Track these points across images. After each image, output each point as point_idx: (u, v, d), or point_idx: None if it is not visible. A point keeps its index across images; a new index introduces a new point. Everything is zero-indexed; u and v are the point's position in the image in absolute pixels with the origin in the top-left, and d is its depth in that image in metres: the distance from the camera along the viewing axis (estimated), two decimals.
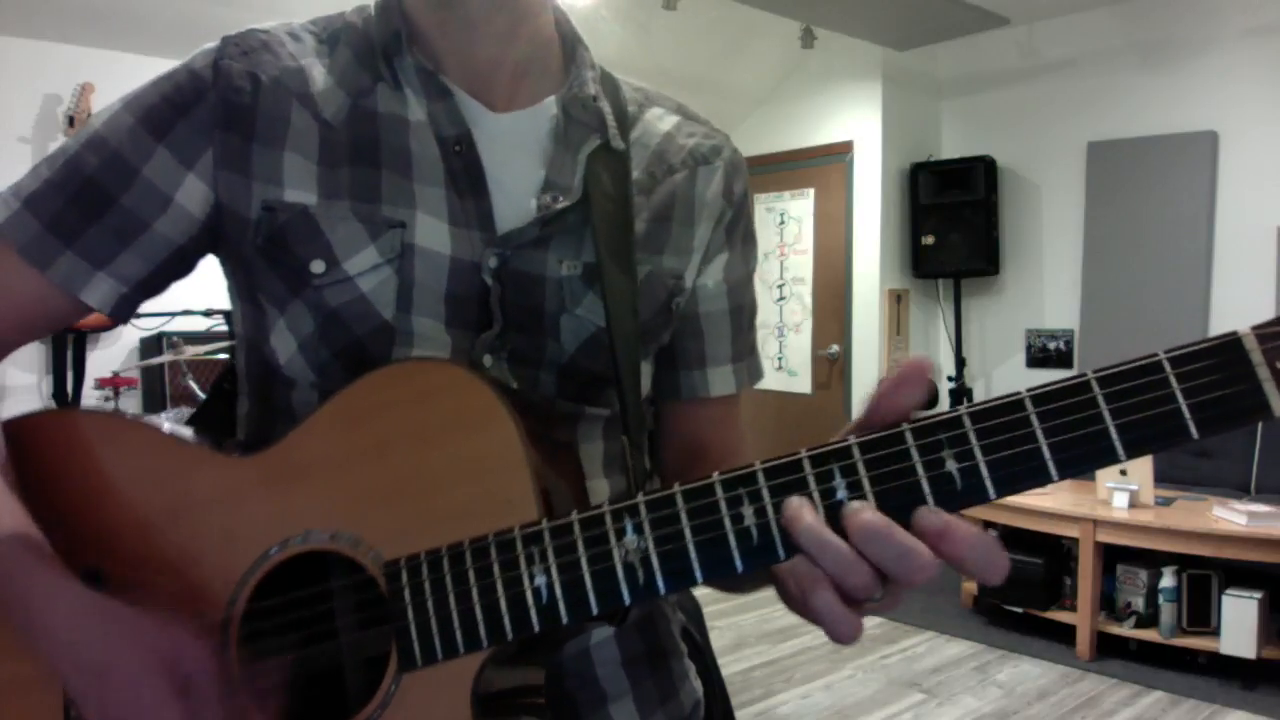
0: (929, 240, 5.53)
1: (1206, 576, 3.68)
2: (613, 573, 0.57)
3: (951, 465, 0.52)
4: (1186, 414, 0.49)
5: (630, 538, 0.57)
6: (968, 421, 0.52)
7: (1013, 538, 4.16)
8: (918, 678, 3.69)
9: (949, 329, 5.74)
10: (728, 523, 0.55)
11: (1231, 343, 0.48)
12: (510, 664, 0.63)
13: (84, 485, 0.69)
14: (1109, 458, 0.50)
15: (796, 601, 0.59)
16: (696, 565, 0.56)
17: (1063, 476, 0.51)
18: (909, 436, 0.53)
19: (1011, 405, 0.52)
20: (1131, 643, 3.84)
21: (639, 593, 0.57)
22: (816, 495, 0.54)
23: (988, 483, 0.51)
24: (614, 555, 0.57)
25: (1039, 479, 0.51)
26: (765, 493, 0.55)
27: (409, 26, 0.74)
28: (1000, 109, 5.61)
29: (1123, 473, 3.87)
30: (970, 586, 4.36)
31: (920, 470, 0.52)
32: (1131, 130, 4.99)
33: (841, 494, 0.54)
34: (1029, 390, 0.52)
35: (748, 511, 0.55)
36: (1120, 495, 3.81)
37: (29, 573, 0.63)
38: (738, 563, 0.55)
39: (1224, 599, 3.57)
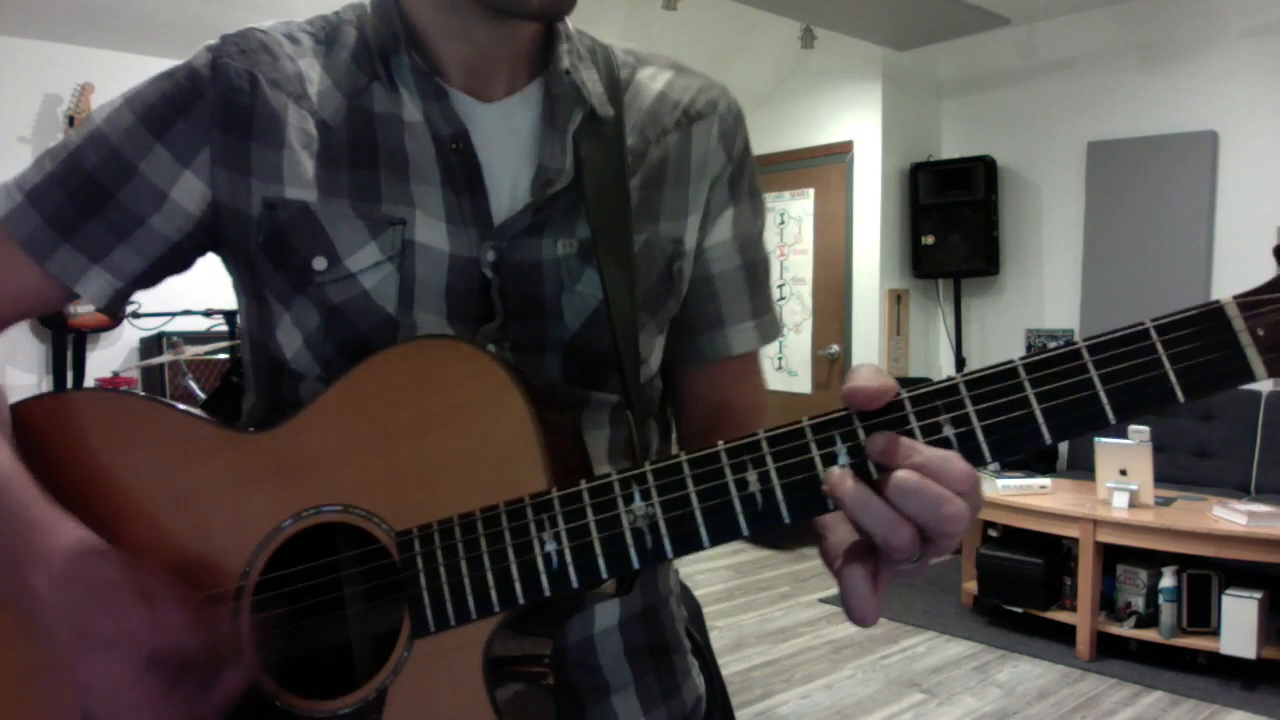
0: (929, 240, 5.53)
1: (1206, 576, 3.67)
2: (622, 538, 0.59)
3: (949, 431, 0.54)
4: (1173, 378, 0.51)
5: (638, 504, 0.59)
6: (964, 389, 0.54)
7: (1013, 538, 4.16)
8: (918, 678, 3.69)
9: (949, 329, 5.74)
10: (733, 489, 0.57)
11: (1214, 311, 0.51)
12: (518, 631, 0.64)
13: (92, 464, 0.69)
14: (1099, 421, 0.53)
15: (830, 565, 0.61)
16: (703, 530, 0.57)
17: (1055, 440, 0.53)
18: (908, 404, 0.55)
19: (1006, 373, 0.54)
20: (1131, 643, 3.84)
21: (647, 557, 0.58)
22: (818, 460, 0.56)
23: (984, 447, 0.54)
24: (623, 521, 0.59)
25: (1033, 442, 0.53)
26: (769, 459, 0.57)
27: (406, 26, 0.74)
28: (1000, 109, 5.61)
29: (1123, 472, 3.86)
30: (970, 586, 4.35)
31: (919, 437, 0.54)
32: (1131, 130, 4.99)
33: (843, 459, 0.56)
34: (1022, 358, 0.54)
35: (752, 478, 0.57)
36: (1120, 495, 3.81)
37: (29, 528, 0.64)
38: (743, 527, 0.57)
39: (1224, 599, 3.57)
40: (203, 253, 0.78)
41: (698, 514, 0.57)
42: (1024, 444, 0.53)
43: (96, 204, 0.72)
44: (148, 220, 0.72)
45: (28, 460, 0.68)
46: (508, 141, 0.75)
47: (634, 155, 0.78)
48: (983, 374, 0.54)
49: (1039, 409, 0.53)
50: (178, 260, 0.76)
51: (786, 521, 0.56)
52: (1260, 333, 0.50)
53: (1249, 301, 0.51)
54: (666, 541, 0.58)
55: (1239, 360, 0.51)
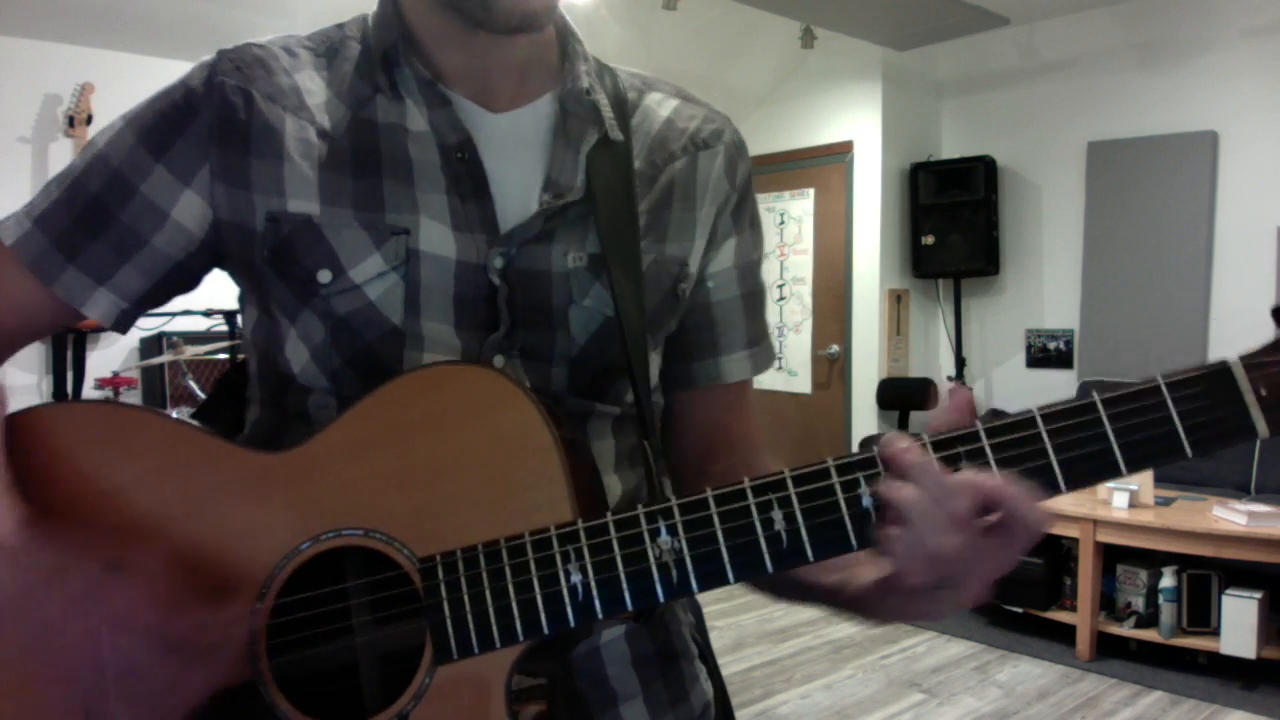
0: (929, 240, 5.53)
1: (1206, 576, 3.68)
2: (648, 572, 0.60)
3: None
4: (1182, 434, 0.55)
5: (664, 538, 0.59)
6: (984, 437, 0.57)
7: None
8: (918, 678, 3.69)
9: (949, 329, 5.74)
10: (758, 526, 0.58)
11: (1222, 371, 0.55)
12: (531, 655, 0.65)
13: (101, 476, 0.69)
14: (1112, 472, 0.56)
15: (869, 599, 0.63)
16: (729, 566, 0.59)
17: (1070, 489, 0.56)
18: (930, 450, 0.57)
19: (1023, 424, 0.56)
20: (1131, 643, 3.84)
21: (673, 591, 0.59)
22: (843, 501, 0.57)
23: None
24: (649, 555, 0.60)
25: (1048, 491, 0.56)
26: (794, 498, 0.58)
27: (408, 36, 0.75)
28: (1000, 109, 5.61)
29: None
30: None
31: None
32: (1131, 130, 4.99)
33: (866, 501, 0.57)
34: (1040, 409, 0.56)
35: (777, 516, 0.58)
36: (1120, 495, 3.81)
37: None
38: (768, 565, 0.58)
39: (1224, 599, 3.57)
40: (207, 272, 0.78)
41: (723, 551, 0.58)
42: (1040, 492, 0.56)
43: (99, 226, 0.73)
44: (150, 240, 0.73)
45: (32, 471, 0.68)
46: (515, 151, 0.76)
47: (641, 178, 0.79)
48: (1002, 424, 0.56)
49: (1055, 460, 0.56)
50: (182, 279, 0.77)
51: (811, 560, 0.58)
52: (1263, 392, 0.54)
53: (1254, 362, 0.54)
54: (692, 577, 0.59)
55: (1244, 419, 0.54)
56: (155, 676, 0.62)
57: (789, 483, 0.58)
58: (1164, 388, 0.55)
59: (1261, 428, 0.54)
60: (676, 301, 0.81)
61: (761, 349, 0.87)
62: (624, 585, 0.60)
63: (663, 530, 0.59)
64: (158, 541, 0.67)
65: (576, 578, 0.60)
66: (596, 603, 0.60)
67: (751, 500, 0.58)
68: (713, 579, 0.59)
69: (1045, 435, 0.55)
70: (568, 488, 0.63)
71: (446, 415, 0.64)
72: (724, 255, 0.84)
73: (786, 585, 0.74)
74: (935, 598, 0.58)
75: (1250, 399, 0.54)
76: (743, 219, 0.85)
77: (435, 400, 0.65)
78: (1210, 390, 0.54)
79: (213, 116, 0.72)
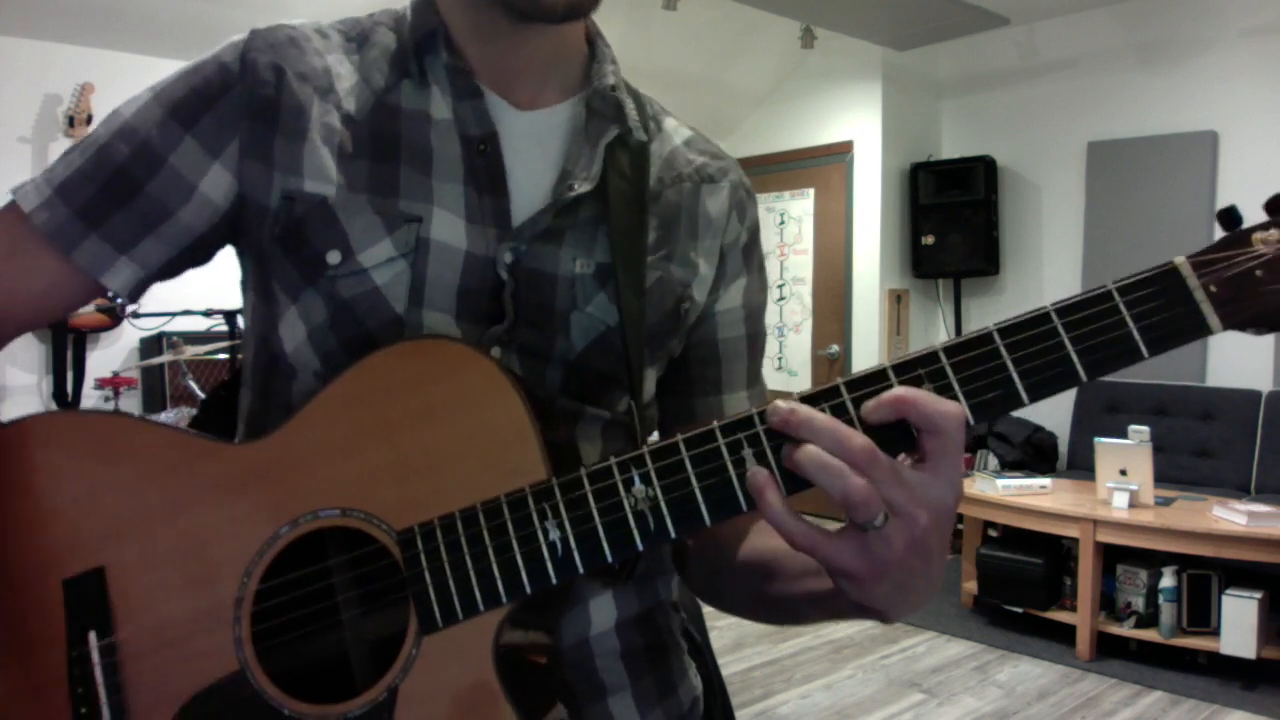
0: (929, 240, 5.53)
1: (1206, 576, 3.67)
2: (625, 522, 0.60)
3: None
4: (1136, 335, 0.55)
5: (639, 487, 0.60)
6: (943, 357, 0.56)
7: (1013, 538, 4.16)
8: (918, 678, 3.69)
9: (949, 329, 5.74)
10: (730, 466, 0.58)
11: (1170, 271, 0.55)
12: (516, 624, 0.65)
13: (82, 485, 0.69)
14: (1072, 380, 0.56)
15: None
16: (704, 508, 0.59)
17: (1033, 400, 0.56)
18: (891, 375, 0.57)
19: (981, 340, 0.56)
20: (1131, 643, 3.84)
21: (650, 539, 0.60)
22: None
23: (966, 411, 0.56)
24: (624, 505, 0.60)
25: (1011, 404, 0.56)
26: (763, 436, 0.58)
27: (442, 26, 0.75)
28: (1000, 109, 5.61)
29: (1123, 472, 3.86)
30: (970, 586, 4.36)
31: None
32: (1131, 130, 4.99)
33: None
34: (996, 325, 0.56)
35: (748, 454, 0.58)
36: (1120, 495, 3.81)
37: None
38: (742, 503, 0.58)
39: (1224, 599, 3.57)
40: (222, 246, 0.78)
41: (698, 493, 0.59)
42: (1004, 406, 0.56)
43: (126, 196, 0.72)
44: (176, 212, 0.73)
45: (11, 484, 0.68)
46: (536, 149, 0.76)
47: (651, 192, 0.80)
48: (961, 341, 0.56)
49: (1015, 372, 0.56)
50: (200, 252, 0.77)
51: (785, 493, 0.57)
52: (1213, 289, 0.54)
53: (1201, 260, 0.55)
54: (669, 522, 0.59)
55: (1196, 315, 0.54)
56: (144, 674, 0.62)
57: (756, 420, 0.58)
58: (1115, 293, 0.55)
59: (1215, 323, 0.54)
60: (679, 321, 0.81)
61: (759, 390, 0.88)
62: (602, 537, 0.60)
63: (636, 479, 0.60)
64: (138, 543, 0.67)
65: (555, 534, 0.61)
66: (576, 557, 0.60)
67: (721, 441, 0.58)
68: (689, 523, 0.59)
69: (1004, 350, 0.55)
70: (541, 449, 0.63)
71: (414, 390, 0.65)
72: (733, 294, 0.85)
73: (792, 603, 0.73)
74: (869, 546, 0.55)
75: (1200, 295, 0.54)
76: (752, 261, 0.86)
77: (402, 376, 0.65)
78: (1160, 291, 0.55)
79: (245, 91, 0.72)
